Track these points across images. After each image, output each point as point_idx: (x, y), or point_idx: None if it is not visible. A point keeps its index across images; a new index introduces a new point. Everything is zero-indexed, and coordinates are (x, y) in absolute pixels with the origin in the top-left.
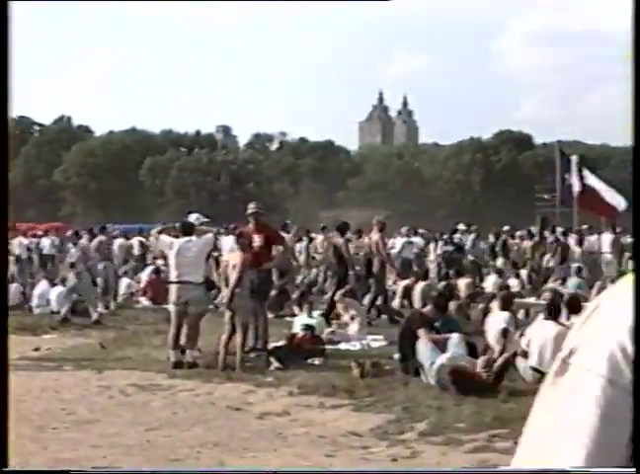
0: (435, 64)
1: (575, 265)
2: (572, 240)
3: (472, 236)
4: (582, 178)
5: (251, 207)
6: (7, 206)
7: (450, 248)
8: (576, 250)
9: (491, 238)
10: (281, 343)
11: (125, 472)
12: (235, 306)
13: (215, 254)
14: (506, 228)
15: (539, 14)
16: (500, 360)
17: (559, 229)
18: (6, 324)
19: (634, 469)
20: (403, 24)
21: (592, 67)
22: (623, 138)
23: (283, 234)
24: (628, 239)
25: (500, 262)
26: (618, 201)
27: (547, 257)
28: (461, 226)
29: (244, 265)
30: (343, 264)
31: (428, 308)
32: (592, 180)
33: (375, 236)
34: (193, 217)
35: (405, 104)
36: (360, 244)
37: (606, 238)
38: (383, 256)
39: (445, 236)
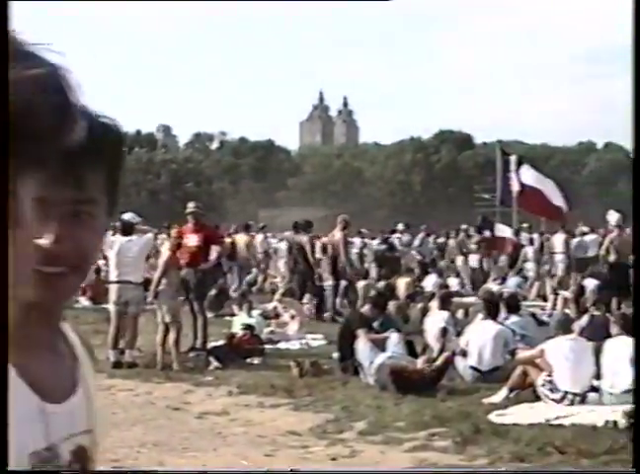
0: (375, 63)
1: (528, 264)
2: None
3: (421, 235)
4: (522, 178)
5: (190, 207)
6: (7, 206)
7: (383, 246)
8: (529, 249)
9: (431, 238)
10: (221, 342)
11: (124, 472)
12: (160, 304)
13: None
14: (464, 227)
15: (482, 14)
16: (440, 360)
17: (503, 227)
18: (6, 324)
19: (634, 469)
20: (345, 22)
21: (532, 67)
22: (563, 138)
23: (245, 235)
24: (574, 241)
25: (459, 260)
26: (563, 202)
27: (475, 256)
28: (400, 226)
29: (167, 263)
30: (308, 262)
31: (367, 308)
32: (534, 180)
33: (338, 234)
34: (126, 217)
35: (345, 103)
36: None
37: (559, 238)
38: (342, 255)
39: (381, 235)
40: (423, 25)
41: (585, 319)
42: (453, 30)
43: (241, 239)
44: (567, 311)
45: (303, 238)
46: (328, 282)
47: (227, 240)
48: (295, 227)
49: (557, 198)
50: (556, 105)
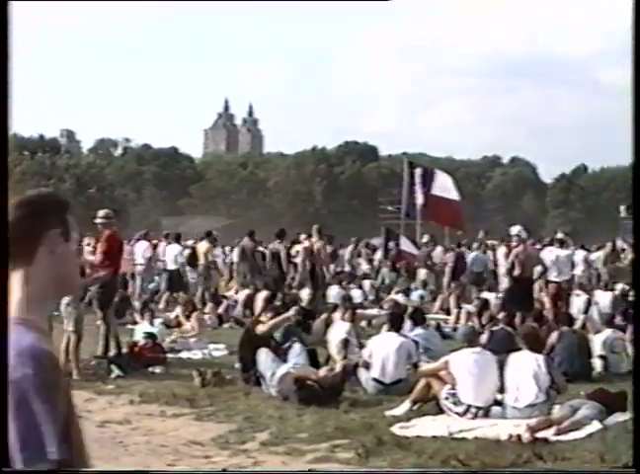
0: (282, 73)
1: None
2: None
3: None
4: (430, 190)
5: (99, 215)
6: (7, 206)
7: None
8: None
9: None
10: (123, 350)
11: (123, 472)
12: (63, 312)
13: None
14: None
15: (386, 26)
16: (338, 368)
17: (406, 242)
18: (6, 324)
19: (634, 469)
20: (251, 32)
21: (437, 80)
22: (468, 152)
23: (206, 243)
24: (471, 255)
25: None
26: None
27: (385, 269)
28: (302, 236)
29: None
30: (281, 269)
31: (269, 317)
32: (442, 191)
33: (318, 243)
34: None
35: (250, 112)
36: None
37: (502, 251)
38: (325, 262)
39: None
40: (330, 34)
41: (486, 334)
42: (361, 40)
43: (202, 247)
44: (471, 324)
45: (279, 246)
46: (230, 292)
47: (187, 248)
48: (251, 235)
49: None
50: (461, 118)
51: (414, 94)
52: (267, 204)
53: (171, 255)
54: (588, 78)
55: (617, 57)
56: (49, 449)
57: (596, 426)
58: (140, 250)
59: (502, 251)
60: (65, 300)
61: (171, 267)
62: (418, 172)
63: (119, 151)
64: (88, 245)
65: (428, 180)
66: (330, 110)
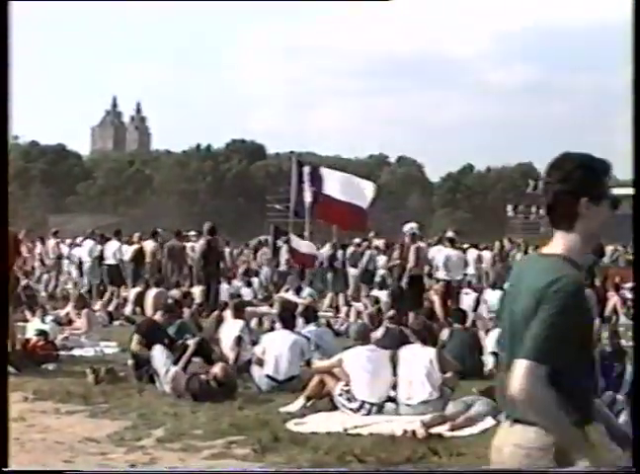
0: (170, 72)
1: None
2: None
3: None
4: (320, 189)
5: None
6: (7, 207)
7: None
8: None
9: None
10: (16, 348)
11: (123, 472)
12: None
13: None
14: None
15: (275, 27)
16: (230, 364)
17: (300, 242)
18: (6, 323)
19: (634, 469)
20: (140, 30)
21: (325, 80)
22: (355, 151)
23: (152, 242)
24: (366, 253)
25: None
26: (361, 210)
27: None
28: (192, 233)
29: None
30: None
31: (160, 314)
32: (333, 189)
33: (202, 240)
34: None
35: (139, 110)
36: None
37: (413, 250)
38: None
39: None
40: (220, 33)
41: (380, 331)
42: (250, 40)
43: (148, 245)
44: (362, 321)
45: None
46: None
47: (136, 246)
48: (211, 233)
49: (358, 208)
50: (348, 118)
51: (302, 93)
52: (154, 202)
53: (110, 251)
54: (475, 80)
55: (504, 59)
56: None
57: (489, 422)
58: (86, 249)
59: (413, 248)
60: None
61: (110, 262)
62: (306, 170)
63: None
64: None
65: (316, 178)
66: (219, 108)
